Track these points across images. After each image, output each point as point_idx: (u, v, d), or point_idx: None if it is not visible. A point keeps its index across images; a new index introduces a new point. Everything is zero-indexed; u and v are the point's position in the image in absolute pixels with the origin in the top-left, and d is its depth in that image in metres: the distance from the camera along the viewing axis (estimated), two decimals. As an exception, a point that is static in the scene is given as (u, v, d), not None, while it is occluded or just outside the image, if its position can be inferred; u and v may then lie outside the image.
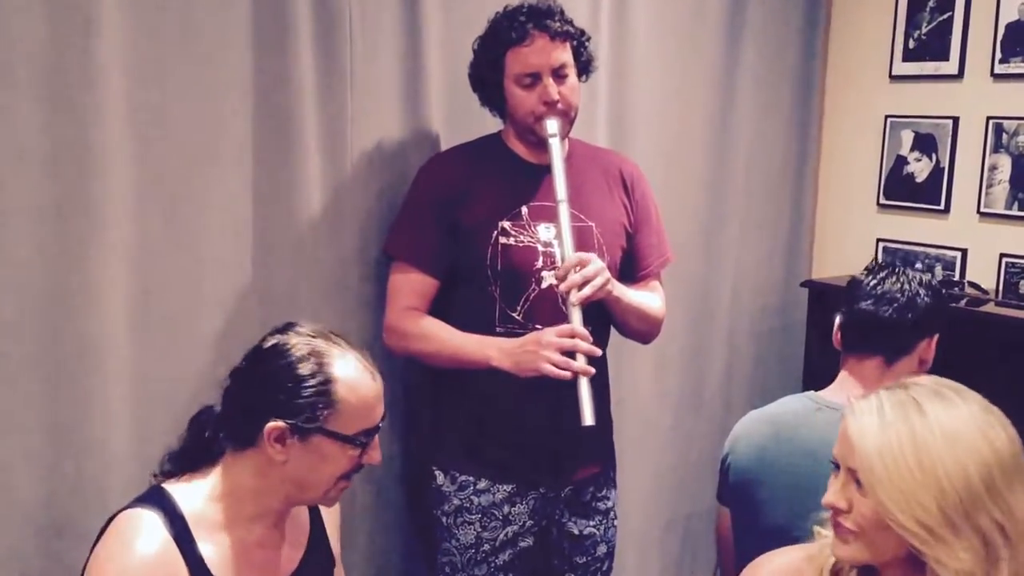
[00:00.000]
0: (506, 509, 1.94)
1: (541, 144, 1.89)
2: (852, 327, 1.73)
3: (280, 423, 1.29)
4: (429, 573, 2.12)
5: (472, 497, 1.94)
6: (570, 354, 1.78)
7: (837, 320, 1.77)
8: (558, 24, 1.86)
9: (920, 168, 2.83)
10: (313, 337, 1.35)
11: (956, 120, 2.73)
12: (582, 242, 1.89)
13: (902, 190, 2.87)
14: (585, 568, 2.04)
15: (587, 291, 1.78)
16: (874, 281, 1.72)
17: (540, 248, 1.90)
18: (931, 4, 2.76)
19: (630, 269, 2.04)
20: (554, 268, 1.87)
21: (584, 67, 1.95)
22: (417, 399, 2.10)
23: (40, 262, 1.60)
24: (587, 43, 1.94)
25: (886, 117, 2.89)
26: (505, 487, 1.93)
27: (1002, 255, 2.65)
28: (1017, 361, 2.32)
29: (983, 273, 2.67)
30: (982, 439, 1.13)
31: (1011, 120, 2.61)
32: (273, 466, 1.31)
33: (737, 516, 1.81)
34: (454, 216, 1.91)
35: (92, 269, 1.64)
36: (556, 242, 1.88)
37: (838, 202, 3.04)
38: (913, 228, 2.86)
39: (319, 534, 1.48)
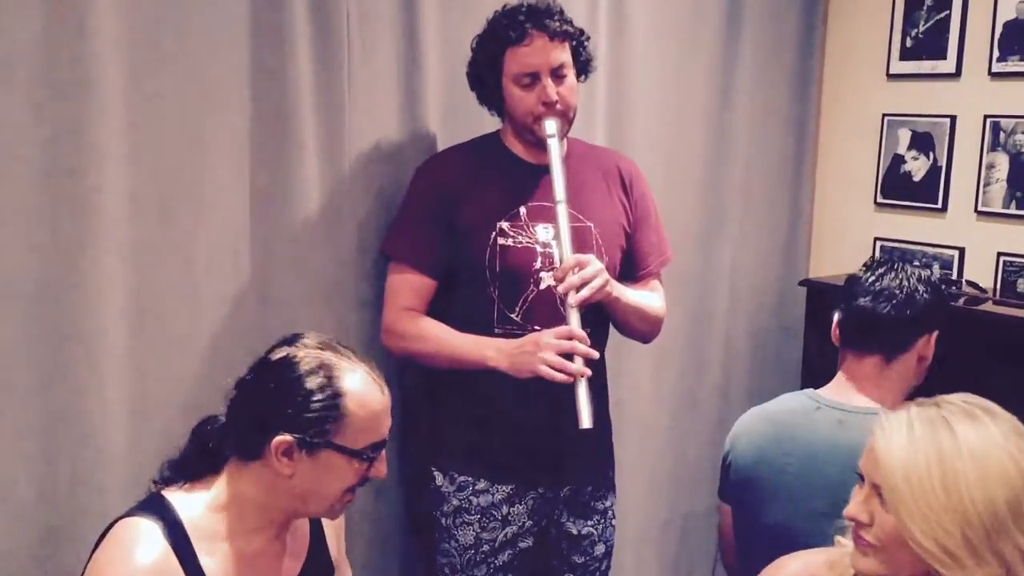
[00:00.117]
0: (505, 509, 1.93)
1: (540, 144, 1.88)
2: (850, 324, 1.72)
3: (288, 437, 1.27)
4: (428, 574, 2.11)
5: (471, 498, 1.93)
6: (568, 356, 1.77)
7: (836, 317, 1.76)
8: (557, 24, 1.85)
9: (917, 167, 2.82)
10: (321, 349, 1.33)
11: (953, 119, 2.72)
12: (581, 243, 1.89)
13: (899, 189, 2.86)
14: (583, 568, 2.04)
15: (585, 293, 1.78)
16: (872, 277, 1.71)
17: (538, 249, 1.90)
18: (928, 2, 2.76)
19: (629, 269, 2.03)
20: (552, 269, 1.87)
21: (583, 67, 1.94)
22: (416, 400, 2.10)
23: (35, 262, 1.59)
24: (586, 43, 1.93)
25: (883, 116, 2.88)
26: (504, 487, 1.93)
27: (1000, 254, 2.64)
28: (1015, 360, 2.32)
29: (981, 272, 2.66)
30: (1011, 463, 1.11)
31: (1009, 119, 2.61)
32: (279, 479, 1.30)
33: (737, 514, 1.80)
34: (452, 216, 1.90)
35: (87, 269, 1.63)
36: (554, 243, 1.88)
37: (835, 201, 3.04)
38: (911, 227, 2.85)
39: (319, 543, 1.46)
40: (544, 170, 1.88)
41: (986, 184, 2.67)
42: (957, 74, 2.71)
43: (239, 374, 1.37)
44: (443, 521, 1.97)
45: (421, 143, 2.08)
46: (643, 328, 2.04)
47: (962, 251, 2.73)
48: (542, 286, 1.89)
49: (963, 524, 1.09)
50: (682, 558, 2.87)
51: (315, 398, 1.28)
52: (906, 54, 2.82)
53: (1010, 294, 2.60)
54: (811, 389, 1.75)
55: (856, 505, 1.19)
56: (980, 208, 2.69)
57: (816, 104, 2.99)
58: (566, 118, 1.89)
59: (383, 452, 1.35)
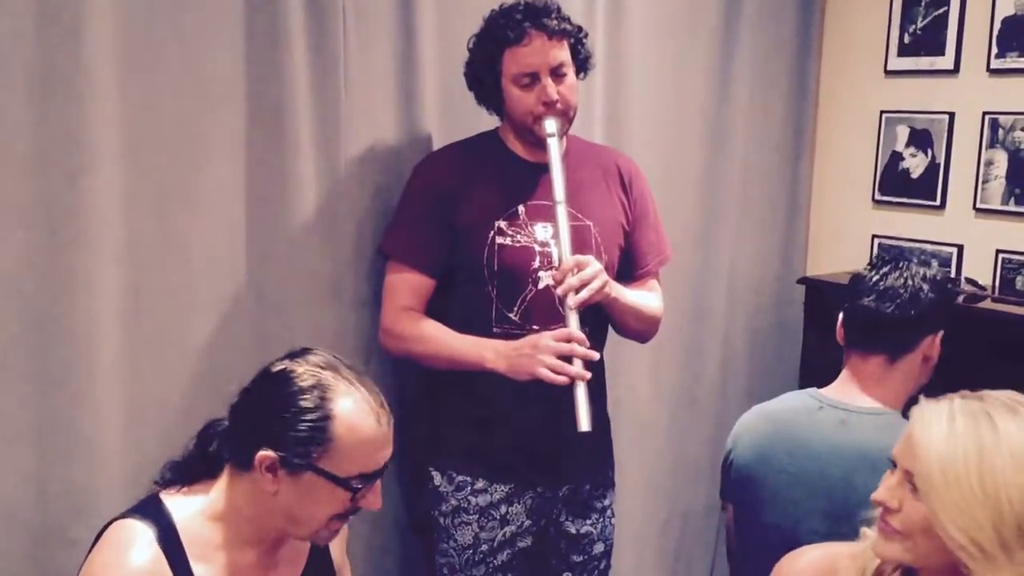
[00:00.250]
0: (503, 509, 1.92)
1: (539, 143, 1.87)
2: (854, 324, 1.70)
3: (271, 453, 1.24)
4: (427, 574, 2.10)
5: (470, 497, 1.92)
6: (566, 358, 1.76)
7: (840, 316, 1.75)
8: (555, 22, 1.83)
9: (916, 164, 2.81)
10: (322, 368, 1.28)
11: (952, 115, 2.71)
12: (580, 241, 1.88)
13: (897, 186, 2.86)
14: (583, 567, 2.03)
15: (584, 295, 1.77)
16: (876, 276, 1.69)
17: (537, 248, 1.88)
18: (926, -1, 2.75)
19: (628, 268, 2.02)
20: (551, 268, 1.85)
21: (582, 65, 1.93)
22: (414, 399, 2.09)
23: (28, 263, 1.58)
24: (585, 40, 1.92)
25: (881, 112, 2.87)
26: (502, 487, 1.92)
27: (998, 251, 2.64)
28: (1014, 358, 2.31)
29: (979, 269, 2.66)
30: None
31: (1007, 115, 2.60)
32: (265, 496, 1.27)
33: (739, 513, 1.79)
34: (450, 215, 1.89)
35: (81, 270, 1.62)
36: (553, 242, 1.86)
37: (833, 198, 3.03)
38: (909, 224, 2.84)
39: (320, 551, 1.44)
40: (543, 168, 1.87)
41: (985, 181, 2.66)
42: (955, 70, 2.70)
43: (234, 376, 1.36)
44: (441, 521, 1.96)
45: (418, 142, 2.07)
46: (641, 328, 2.03)
47: (960, 248, 2.73)
48: (540, 285, 1.88)
49: (996, 520, 1.08)
50: (681, 556, 2.86)
51: (304, 418, 1.23)
52: (904, 50, 2.81)
53: (1009, 291, 2.59)
54: (814, 388, 1.74)
55: (886, 490, 1.18)
56: (979, 205, 2.68)
57: (814, 101, 2.99)
58: (566, 117, 1.88)
59: (377, 483, 1.29)
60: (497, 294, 1.88)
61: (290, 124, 1.86)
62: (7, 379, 1.58)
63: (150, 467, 1.41)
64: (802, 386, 2.85)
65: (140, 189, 1.69)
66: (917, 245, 2.81)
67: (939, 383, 1.73)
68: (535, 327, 1.86)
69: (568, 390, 1.75)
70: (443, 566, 1.97)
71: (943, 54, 2.72)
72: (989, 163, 2.64)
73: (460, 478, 1.93)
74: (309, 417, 1.23)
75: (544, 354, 1.77)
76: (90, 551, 1.29)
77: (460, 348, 1.86)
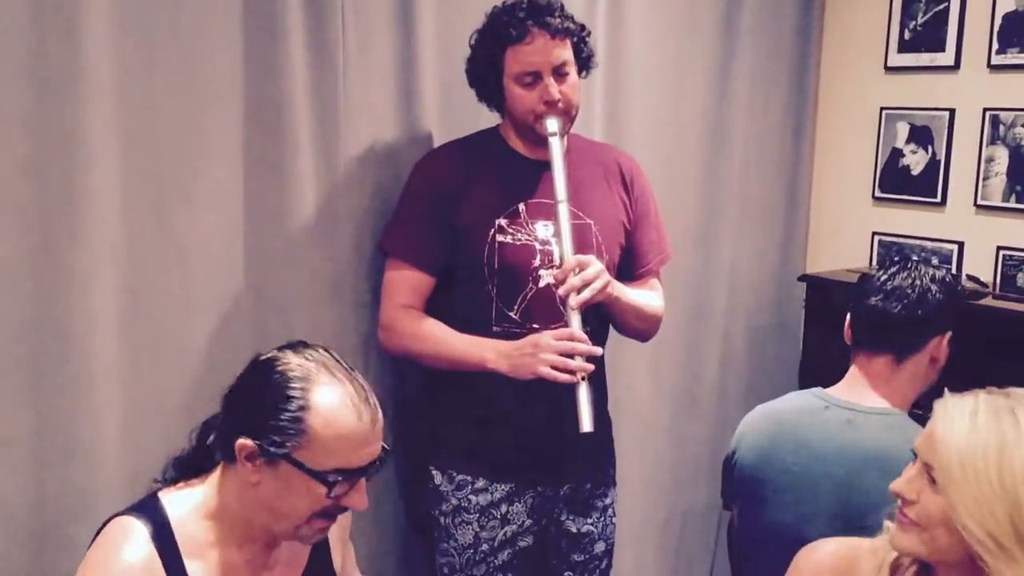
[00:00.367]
0: (504, 508, 1.91)
1: (540, 140, 1.86)
2: (861, 324, 1.69)
3: (249, 441, 1.22)
4: (428, 574, 2.09)
5: (470, 496, 1.91)
6: (568, 357, 1.75)
7: (848, 316, 1.74)
8: (559, 21, 1.82)
9: (916, 160, 2.81)
10: (310, 360, 1.26)
11: (952, 112, 2.71)
12: (581, 240, 1.87)
13: (898, 183, 2.85)
14: (583, 566, 2.02)
15: (586, 295, 1.76)
16: (884, 276, 1.68)
17: (537, 246, 1.87)
18: (927, -6, 2.74)
19: (629, 267, 2.01)
20: (552, 267, 1.84)
21: (584, 64, 1.92)
22: (414, 398, 2.08)
23: (24, 262, 1.56)
24: (587, 39, 1.91)
25: (881, 109, 2.86)
26: (503, 486, 1.91)
27: (999, 248, 2.63)
28: (1015, 355, 2.30)
29: (980, 266, 2.65)
30: None
31: (1008, 112, 2.59)
32: (247, 487, 1.25)
33: (743, 513, 1.78)
34: (450, 213, 1.88)
35: (78, 270, 1.60)
36: (554, 240, 1.85)
37: (833, 195, 3.02)
38: (909, 221, 2.83)
39: (321, 552, 1.42)
40: (544, 166, 1.85)
41: (985, 178, 2.65)
42: (956, 67, 2.69)
43: (234, 376, 1.34)
44: (442, 520, 1.95)
45: (418, 140, 2.06)
46: (642, 327, 2.02)
47: (961, 245, 2.72)
48: (541, 284, 1.87)
49: (1015, 515, 1.08)
50: (681, 556, 2.86)
51: (282, 406, 1.22)
52: (904, 47, 2.80)
53: (1010, 288, 2.58)
54: (819, 388, 1.73)
55: (904, 482, 1.18)
56: (979, 202, 2.67)
57: (813, 98, 2.98)
58: (568, 116, 1.87)
59: (361, 482, 1.26)
60: (497, 293, 1.87)
61: (289, 123, 1.84)
62: (5, 380, 1.56)
63: (149, 468, 1.40)
64: (802, 384, 2.87)
65: (138, 188, 1.68)
66: (917, 242, 2.81)
67: (940, 380, 1.73)
68: (535, 326, 1.85)
69: (569, 389, 1.74)
70: (443, 566, 1.96)
71: (943, 50, 2.71)
72: (990, 160, 2.64)
73: (460, 477, 1.92)
74: (287, 406, 1.22)
75: (545, 353, 1.76)
76: (89, 548, 1.28)
77: (461, 348, 1.85)
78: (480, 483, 1.91)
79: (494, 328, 1.87)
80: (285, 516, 1.26)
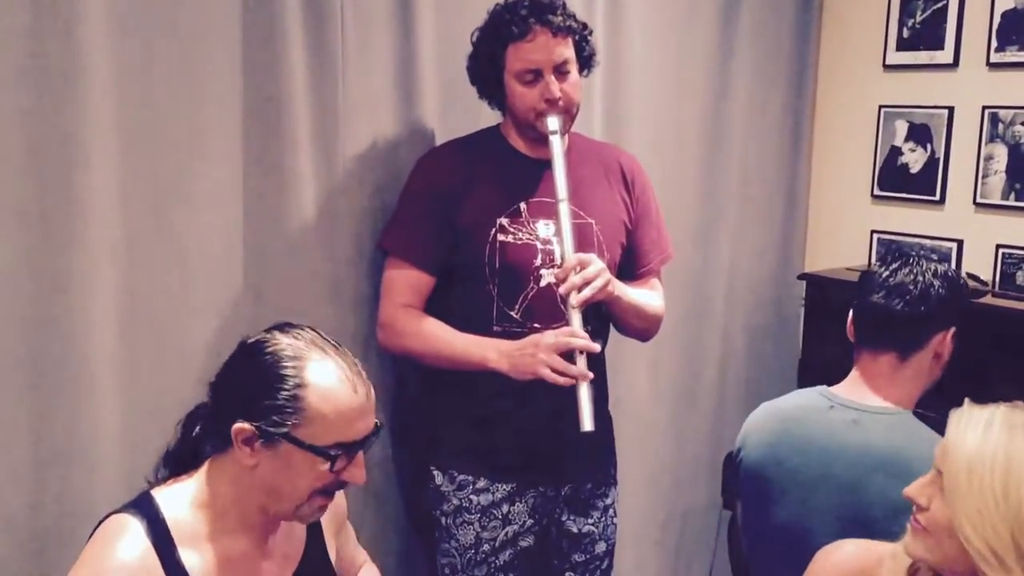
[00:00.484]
0: (505, 508, 1.91)
1: (541, 139, 1.85)
2: (864, 321, 1.68)
3: (246, 425, 1.23)
4: (429, 575, 2.09)
5: (471, 496, 1.91)
6: (569, 357, 1.74)
7: (851, 313, 1.73)
8: (560, 19, 1.81)
9: (915, 159, 2.80)
10: (298, 339, 1.27)
11: (951, 110, 2.71)
12: (582, 239, 1.86)
13: (897, 181, 2.85)
14: (584, 566, 2.02)
15: (587, 293, 1.75)
16: (886, 273, 1.66)
17: (539, 246, 1.87)
18: (925, -8, 2.74)
19: (630, 266, 2.01)
20: (553, 266, 1.84)
21: (586, 62, 1.91)
22: (414, 398, 2.07)
23: (22, 263, 1.55)
24: (589, 37, 1.90)
25: (880, 107, 2.86)
26: (504, 486, 1.90)
27: (998, 246, 2.63)
28: (1015, 353, 2.30)
29: (979, 264, 2.65)
30: None
31: (1007, 109, 2.59)
32: (245, 471, 1.25)
33: (747, 512, 1.78)
34: (451, 212, 1.87)
35: (76, 270, 1.59)
36: (555, 239, 1.85)
37: (832, 194, 3.02)
38: (908, 219, 2.83)
39: (316, 546, 1.42)
40: (545, 165, 1.85)
41: (984, 176, 2.65)
42: (955, 64, 2.69)
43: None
44: (443, 521, 1.94)
45: (418, 138, 2.05)
46: (643, 326, 2.02)
47: (960, 243, 2.72)
48: (542, 283, 1.86)
49: (1015, 530, 1.08)
50: (681, 554, 2.86)
51: (278, 386, 1.22)
52: (903, 44, 2.80)
53: (1009, 286, 2.58)
54: (824, 387, 1.72)
55: (918, 487, 1.19)
56: (979, 200, 2.67)
57: (812, 96, 2.98)
58: (569, 114, 1.86)
59: (359, 455, 1.27)
60: (498, 292, 1.86)
61: (289, 122, 1.83)
62: (3, 381, 1.55)
63: (148, 469, 1.38)
64: (801, 383, 2.86)
65: (137, 188, 1.66)
66: (917, 240, 2.81)
67: (940, 379, 1.72)
68: (536, 325, 1.84)
69: (570, 389, 1.73)
70: (445, 566, 1.95)
71: (942, 48, 2.71)
72: (989, 158, 2.64)
73: (462, 477, 1.91)
74: (283, 386, 1.22)
75: (546, 353, 1.75)
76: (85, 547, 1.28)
77: (462, 347, 1.84)
78: (481, 483, 1.90)
79: (495, 328, 1.86)
80: (286, 496, 1.26)
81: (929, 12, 2.74)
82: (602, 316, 1.94)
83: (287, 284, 1.88)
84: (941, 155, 2.73)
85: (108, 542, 1.23)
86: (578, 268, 1.75)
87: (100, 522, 1.29)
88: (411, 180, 1.94)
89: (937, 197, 2.76)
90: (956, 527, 1.11)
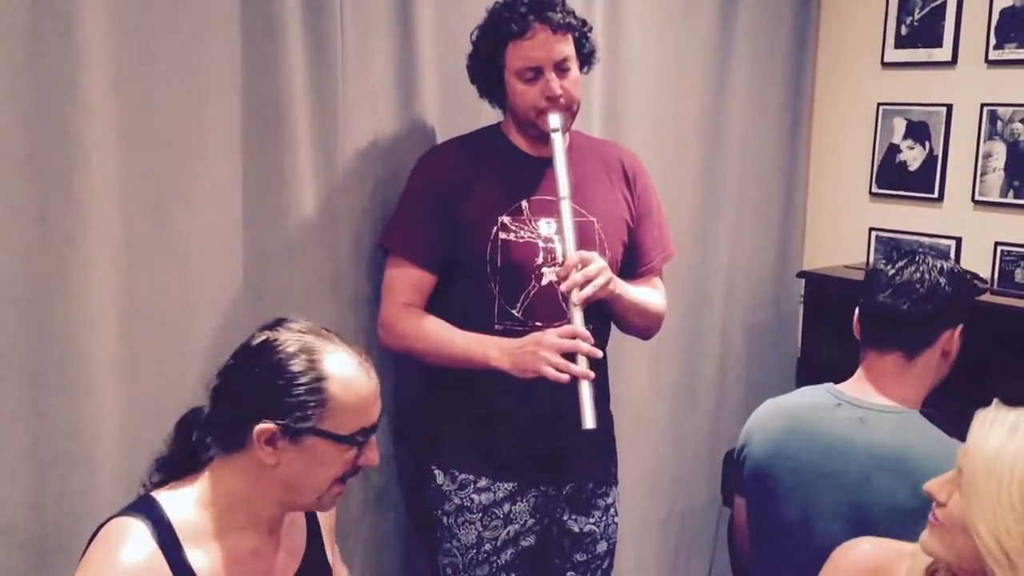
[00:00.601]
0: (507, 508, 1.90)
1: (542, 137, 1.84)
2: (870, 320, 1.68)
3: (270, 424, 1.23)
4: (430, 575, 2.08)
5: (472, 496, 1.90)
6: (571, 356, 1.74)
7: (856, 312, 1.72)
8: (560, 16, 1.81)
9: (913, 156, 2.80)
10: (304, 333, 1.29)
11: (950, 107, 2.71)
12: (583, 237, 1.85)
13: (895, 179, 2.85)
14: (586, 566, 2.01)
15: (589, 291, 1.74)
16: (892, 271, 1.66)
17: (541, 244, 1.86)
18: (923, -10, 2.74)
19: (631, 264, 2.00)
20: (555, 264, 1.83)
21: (586, 59, 1.91)
22: (415, 397, 2.06)
23: (21, 264, 1.54)
24: (589, 34, 1.90)
25: (878, 105, 2.86)
26: (506, 485, 1.90)
27: (997, 243, 2.63)
28: (1015, 350, 2.31)
29: (978, 262, 2.64)
30: None
31: (1006, 107, 2.59)
32: (263, 470, 1.26)
33: (752, 509, 1.77)
34: (452, 210, 1.86)
35: (76, 271, 1.58)
36: (557, 237, 1.84)
37: (830, 191, 3.02)
38: (906, 217, 2.84)
39: (316, 542, 1.43)
40: (546, 163, 1.84)
41: (983, 173, 2.65)
42: (953, 62, 2.70)
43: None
44: (444, 520, 1.93)
45: (418, 136, 2.04)
46: (644, 325, 2.01)
47: (959, 241, 2.72)
48: (544, 281, 1.86)
49: None
50: (680, 552, 2.85)
51: (297, 382, 1.23)
52: (901, 42, 2.80)
53: (1008, 284, 2.59)
54: (830, 384, 1.71)
55: (938, 483, 1.20)
56: (977, 197, 2.68)
57: (810, 94, 2.98)
58: (570, 112, 1.86)
59: (373, 438, 1.30)
60: (500, 290, 1.85)
61: (288, 120, 1.82)
62: (3, 382, 1.54)
63: (148, 470, 1.37)
64: (800, 380, 2.86)
65: (137, 188, 1.65)
66: (915, 238, 2.81)
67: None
68: (538, 324, 1.84)
69: (572, 387, 1.73)
70: (446, 566, 1.95)
71: (941, 45, 2.71)
72: (987, 155, 2.64)
73: (463, 477, 1.91)
74: (303, 381, 1.23)
75: (548, 351, 1.74)
76: (84, 553, 1.26)
77: (463, 345, 1.84)
78: (483, 482, 1.90)
79: (496, 326, 1.86)
80: (309, 489, 1.28)
81: (927, 10, 2.74)
82: (604, 314, 1.93)
83: (287, 283, 1.87)
84: (939, 153, 2.74)
85: (112, 546, 1.22)
86: (579, 266, 1.75)
87: (100, 527, 1.28)
88: (412, 179, 1.93)
89: (936, 195, 2.76)
90: (970, 525, 1.12)
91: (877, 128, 2.87)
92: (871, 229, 2.91)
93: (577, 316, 1.76)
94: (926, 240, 2.78)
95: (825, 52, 2.97)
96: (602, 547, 2.03)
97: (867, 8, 2.86)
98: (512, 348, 1.79)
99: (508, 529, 1.90)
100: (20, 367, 1.55)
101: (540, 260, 1.85)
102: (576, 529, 1.98)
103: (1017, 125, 2.58)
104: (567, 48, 1.83)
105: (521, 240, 1.85)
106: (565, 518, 1.97)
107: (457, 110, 2.07)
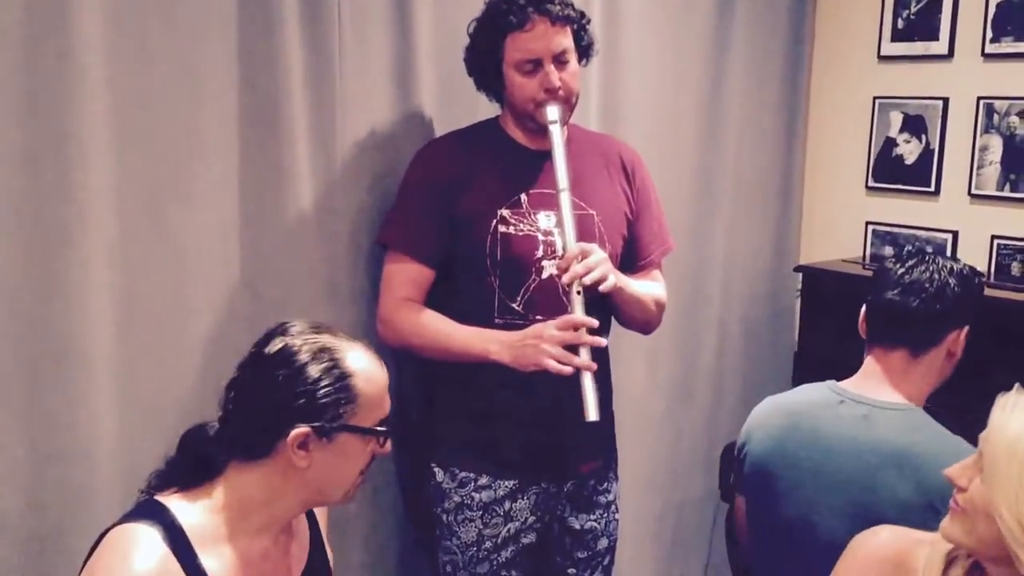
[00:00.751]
0: (508, 505, 1.89)
1: (540, 130, 1.83)
2: (878, 317, 1.67)
3: (304, 428, 1.24)
4: (430, 573, 2.07)
5: (473, 494, 1.89)
6: (572, 348, 1.73)
7: (863, 309, 1.72)
8: (559, 8, 1.80)
9: (909, 150, 2.80)
10: (317, 333, 1.31)
11: (946, 101, 2.71)
12: (583, 231, 1.84)
13: (891, 172, 2.85)
14: (587, 563, 2.01)
15: (589, 280, 1.73)
16: (902, 270, 1.65)
17: (540, 237, 1.85)
18: (920, -17, 2.74)
19: (631, 258, 1.99)
20: (555, 257, 1.82)
21: (585, 51, 1.90)
22: (413, 393, 2.05)
23: (18, 263, 1.52)
24: (588, 26, 1.88)
25: (874, 98, 2.86)
26: (507, 483, 1.89)
27: (993, 237, 2.64)
28: (1011, 344, 2.31)
29: (974, 255, 2.64)
30: None
31: (1002, 100, 2.60)
32: (291, 473, 1.26)
33: (753, 507, 1.77)
34: (451, 204, 1.85)
35: (73, 270, 1.56)
36: (557, 231, 1.83)
37: (826, 185, 3.02)
38: (903, 211, 2.84)
39: (318, 543, 1.43)
40: (545, 156, 1.83)
41: (979, 167, 2.66)
42: (950, 55, 2.69)
43: (231, 374, 1.32)
44: (444, 518, 1.92)
45: (416, 131, 2.02)
46: (645, 318, 2.00)
47: (955, 234, 2.73)
48: (544, 275, 1.85)
49: None
50: (677, 546, 2.85)
51: (324, 383, 1.25)
52: (898, 35, 2.80)
53: (1005, 277, 2.59)
54: (832, 381, 1.71)
55: (959, 468, 1.20)
56: (973, 191, 2.68)
57: (807, 88, 2.97)
58: (568, 104, 1.85)
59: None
60: (500, 284, 1.84)
61: (285, 117, 1.81)
62: (0, 382, 1.52)
63: (146, 469, 1.35)
64: (796, 374, 2.86)
65: (133, 186, 1.63)
66: (911, 232, 2.81)
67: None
68: (539, 317, 1.82)
69: (574, 381, 1.71)
70: (446, 564, 1.94)
71: (937, 39, 2.71)
72: (984, 148, 2.64)
73: (463, 474, 1.90)
74: (328, 381, 1.26)
75: (549, 344, 1.73)
76: (86, 560, 1.24)
77: (462, 339, 1.82)
78: (483, 480, 1.89)
79: (496, 320, 1.85)
80: (339, 485, 1.31)
81: (924, 3, 2.74)
82: (604, 309, 1.92)
83: (284, 281, 1.86)
84: (936, 146, 2.74)
85: (123, 552, 1.20)
86: (580, 257, 1.74)
87: (102, 535, 1.25)
88: (409, 173, 1.91)
89: (932, 188, 2.76)
90: (992, 507, 1.12)
91: (873, 122, 2.87)
92: (867, 223, 2.91)
93: (578, 308, 1.75)
94: (922, 234, 2.78)
95: (821, 46, 2.97)
96: (603, 544, 2.02)
97: (863, 2, 2.86)
98: (513, 341, 1.78)
99: (509, 527, 1.90)
100: (17, 365, 1.54)
101: (540, 253, 1.84)
102: (577, 526, 1.98)
103: (1013, 118, 2.58)
104: (566, 40, 1.82)
105: (521, 233, 1.84)
106: (566, 515, 1.96)
107: (455, 105, 2.05)
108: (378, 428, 1.30)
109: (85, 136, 1.55)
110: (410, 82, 2.00)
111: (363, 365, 1.29)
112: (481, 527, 1.89)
